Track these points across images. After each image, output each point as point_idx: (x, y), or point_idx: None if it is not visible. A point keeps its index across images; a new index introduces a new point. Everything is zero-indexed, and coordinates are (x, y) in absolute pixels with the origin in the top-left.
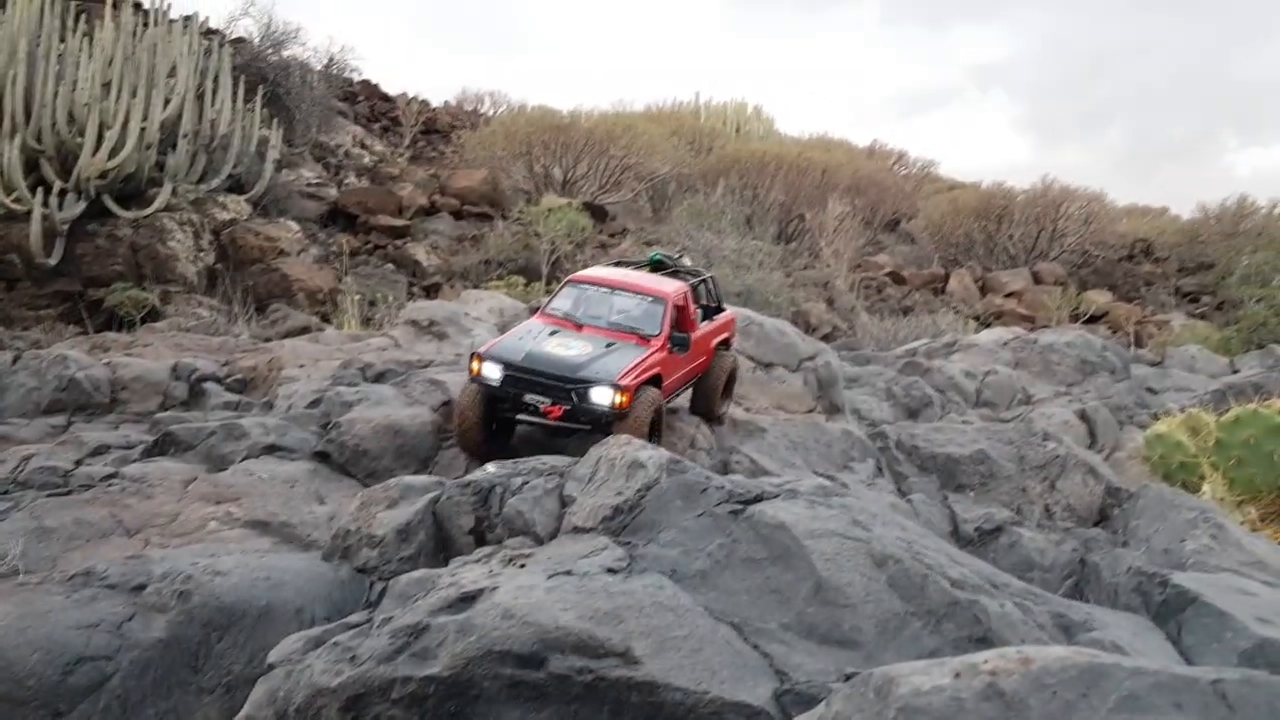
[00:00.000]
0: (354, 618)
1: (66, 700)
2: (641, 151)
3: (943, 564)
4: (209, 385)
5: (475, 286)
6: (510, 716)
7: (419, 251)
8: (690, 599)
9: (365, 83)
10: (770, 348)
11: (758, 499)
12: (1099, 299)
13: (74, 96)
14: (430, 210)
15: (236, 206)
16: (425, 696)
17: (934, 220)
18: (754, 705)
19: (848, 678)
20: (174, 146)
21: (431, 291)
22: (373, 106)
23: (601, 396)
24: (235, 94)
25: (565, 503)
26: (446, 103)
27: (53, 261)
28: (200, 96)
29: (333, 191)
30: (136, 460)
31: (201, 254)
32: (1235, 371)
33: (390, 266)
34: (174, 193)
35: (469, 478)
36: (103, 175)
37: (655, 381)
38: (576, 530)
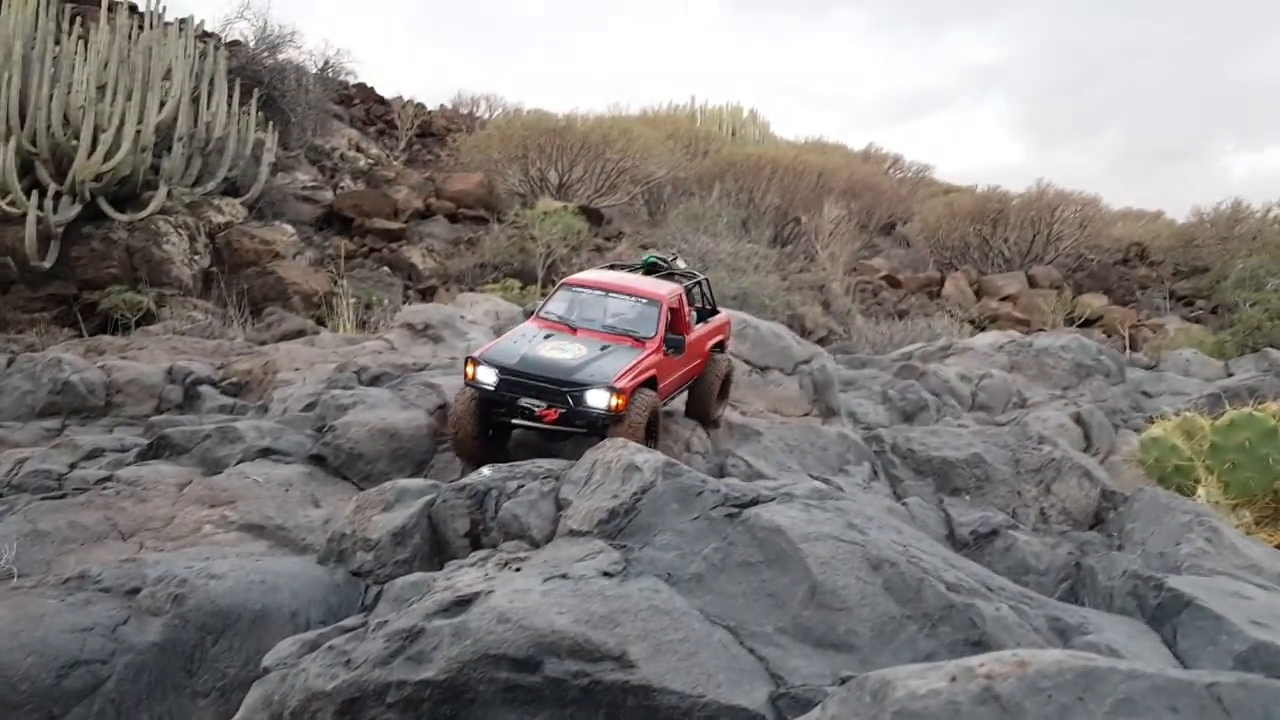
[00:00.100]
0: (349, 621)
1: (60, 704)
2: (637, 155)
3: (938, 567)
4: (204, 388)
5: (471, 290)
6: None
7: (414, 255)
8: (686, 602)
9: (361, 86)
10: (766, 351)
11: (753, 502)
12: (1094, 303)
13: (69, 99)
14: (426, 213)
15: (232, 209)
16: (420, 700)
17: (929, 224)
18: (750, 709)
19: (843, 681)
20: (169, 149)
21: (427, 295)
22: (368, 110)
23: (597, 399)
24: (231, 97)
25: (561, 506)
26: (442, 106)
27: (47, 264)
28: (195, 99)
29: (328, 195)
30: (131, 463)
31: (196, 257)
32: (1230, 375)
33: (386, 270)
34: (169, 196)
35: (464, 481)
36: (98, 178)
37: (651, 384)
38: (572, 533)
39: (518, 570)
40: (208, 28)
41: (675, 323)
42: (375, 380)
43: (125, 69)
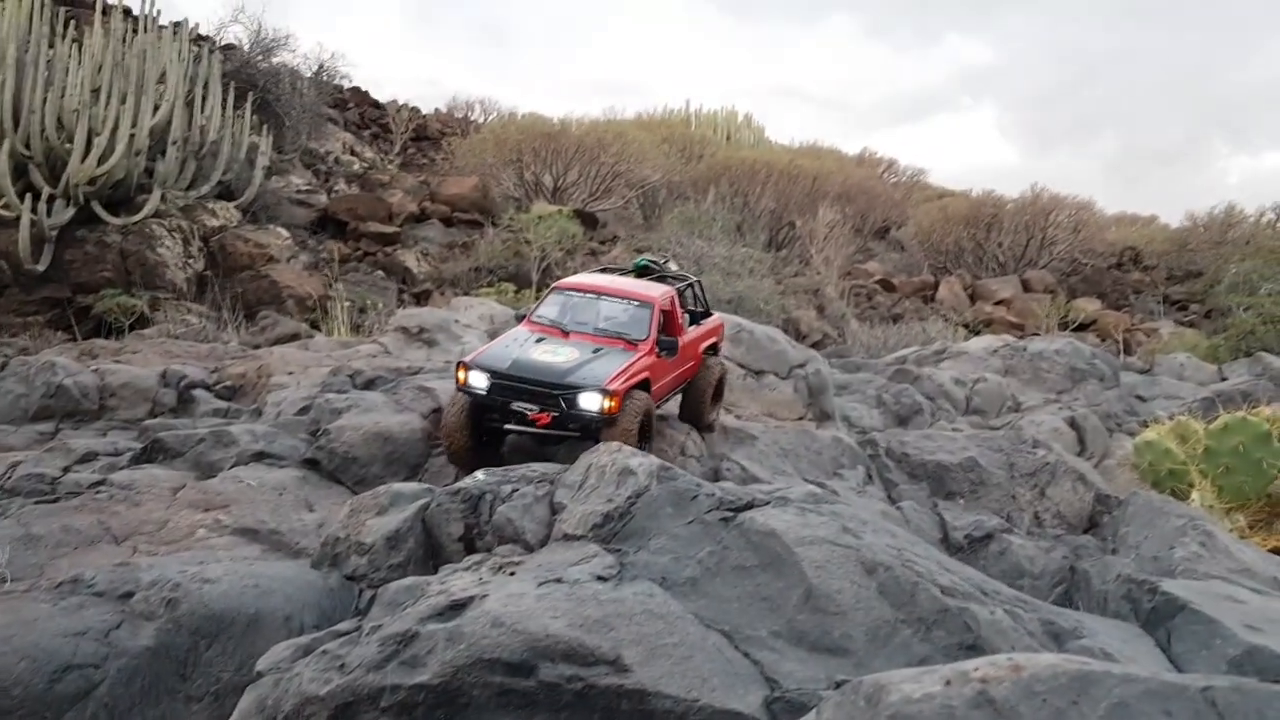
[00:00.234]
0: (343, 626)
1: (53, 709)
2: (632, 159)
3: (933, 571)
4: (198, 392)
5: (465, 293)
6: None
7: (409, 258)
8: (681, 606)
9: (355, 90)
10: (761, 355)
11: (748, 506)
12: (1088, 307)
13: (63, 103)
14: (420, 217)
15: (226, 213)
16: (414, 705)
17: (924, 228)
18: (744, 713)
19: (838, 685)
20: (163, 153)
21: (421, 298)
22: (363, 113)
23: (590, 402)
24: (225, 101)
25: (555, 510)
26: (437, 110)
27: (41, 268)
28: (190, 103)
29: (322, 198)
30: (125, 467)
31: (191, 260)
32: (1224, 379)
33: (380, 273)
34: (163, 199)
35: (459, 485)
36: (92, 181)
37: (644, 386)
38: (567, 538)
39: (512, 574)
40: (202, 31)
41: (668, 325)
42: (369, 384)
43: (119, 72)
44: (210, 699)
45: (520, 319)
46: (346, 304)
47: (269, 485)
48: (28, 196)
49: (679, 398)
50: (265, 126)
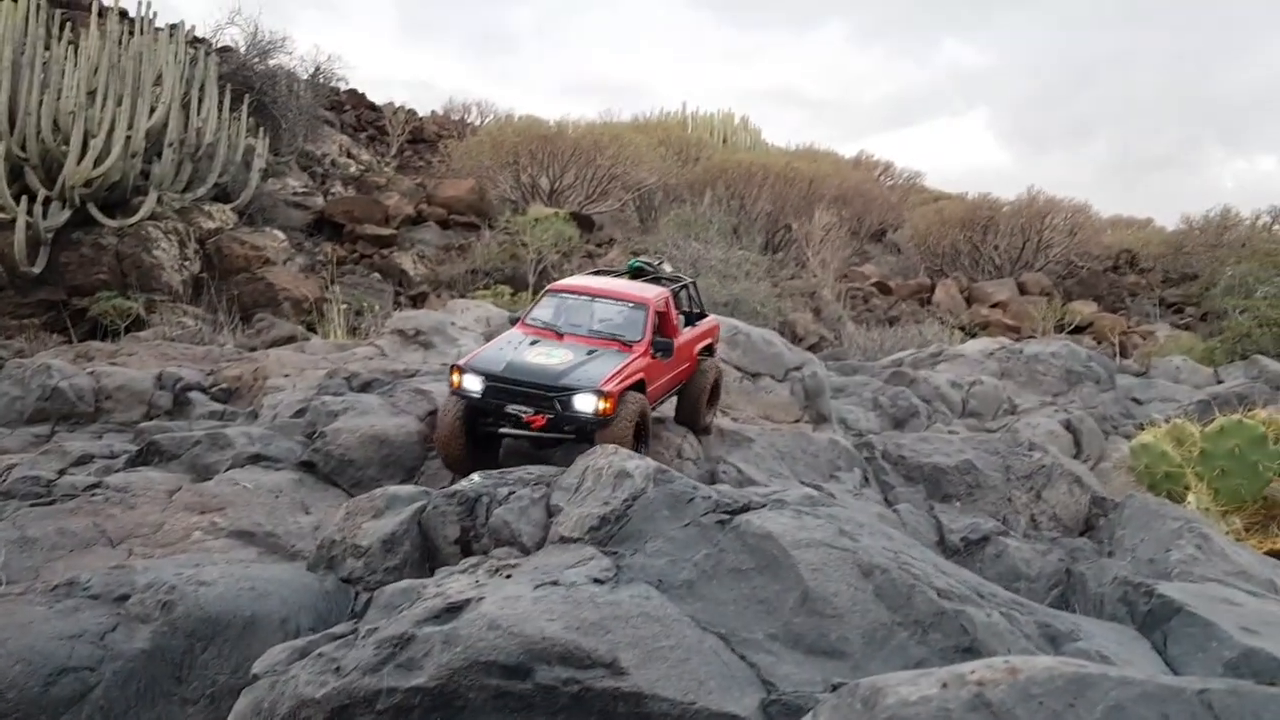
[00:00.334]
0: (339, 628)
1: (49, 712)
2: (628, 161)
3: (929, 574)
4: (194, 395)
5: (462, 296)
6: None
7: (405, 261)
8: (677, 609)
9: (352, 92)
10: (757, 357)
11: (745, 509)
12: (1084, 309)
13: (59, 104)
14: (417, 219)
15: (222, 215)
16: (411, 708)
17: (920, 231)
18: (741, 716)
19: (835, 688)
20: (159, 155)
21: (418, 301)
22: (359, 116)
23: (584, 403)
24: (221, 103)
25: (552, 513)
26: (433, 112)
27: (37, 270)
28: (186, 105)
29: (319, 200)
30: (120, 470)
31: (187, 263)
32: (1219, 382)
33: (376, 276)
34: (159, 201)
35: (455, 488)
36: (87, 184)
37: (639, 388)
38: (563, 540)
39: (508, 577)
40: (198, 33)
41: (662, 326)
42: (366, 386)
43: (115, 74)
44: (206, 702)
45: (514, 322)
46: (343, 306)
47: (265, 488)
48: (23, 199)
49: (674, 400)
50: (261, 129)
